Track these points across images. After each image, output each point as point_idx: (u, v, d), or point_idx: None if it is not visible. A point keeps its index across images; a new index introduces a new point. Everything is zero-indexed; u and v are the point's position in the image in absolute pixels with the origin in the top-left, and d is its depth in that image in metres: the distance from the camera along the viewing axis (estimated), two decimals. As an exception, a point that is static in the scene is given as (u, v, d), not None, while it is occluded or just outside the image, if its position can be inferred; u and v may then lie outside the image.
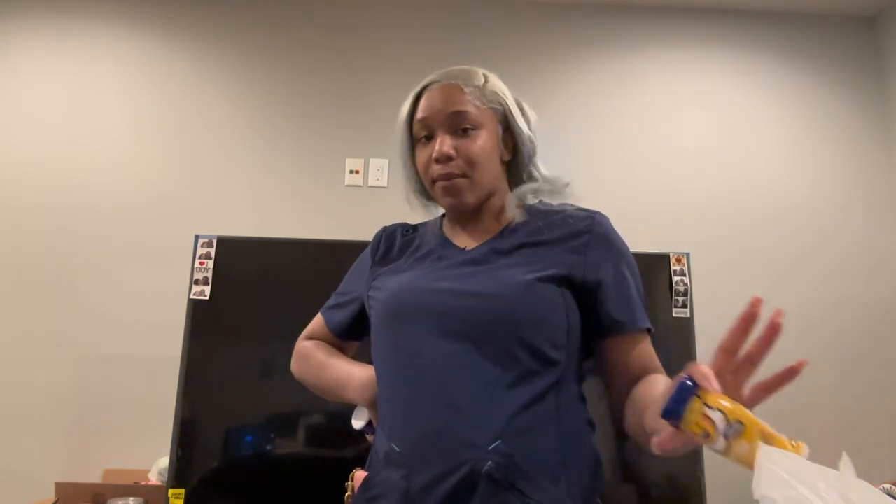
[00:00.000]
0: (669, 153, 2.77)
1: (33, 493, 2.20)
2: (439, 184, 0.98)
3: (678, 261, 2.01)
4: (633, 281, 0.96)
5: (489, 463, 0.80)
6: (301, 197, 2.65)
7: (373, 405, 0.99)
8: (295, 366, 1.15)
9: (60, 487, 2.01)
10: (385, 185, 2.64)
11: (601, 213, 0.99)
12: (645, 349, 0.94)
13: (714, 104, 2.84)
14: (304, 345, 1.15)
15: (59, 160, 2.62)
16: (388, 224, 1.14)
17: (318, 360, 1.10)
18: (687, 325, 1.94)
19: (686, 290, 1.98)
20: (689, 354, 1.90)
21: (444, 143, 0.96)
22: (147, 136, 2.68)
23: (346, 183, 2.67)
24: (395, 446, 0.86)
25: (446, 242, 1.03)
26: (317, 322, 1.17)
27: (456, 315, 0.89)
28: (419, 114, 1.00)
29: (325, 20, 2.84)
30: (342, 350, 1.13)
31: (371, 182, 2.66)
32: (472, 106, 0.98)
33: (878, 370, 2.57)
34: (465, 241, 1.01)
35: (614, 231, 0.98)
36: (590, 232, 0.95)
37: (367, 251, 1.12)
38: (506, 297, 0.88)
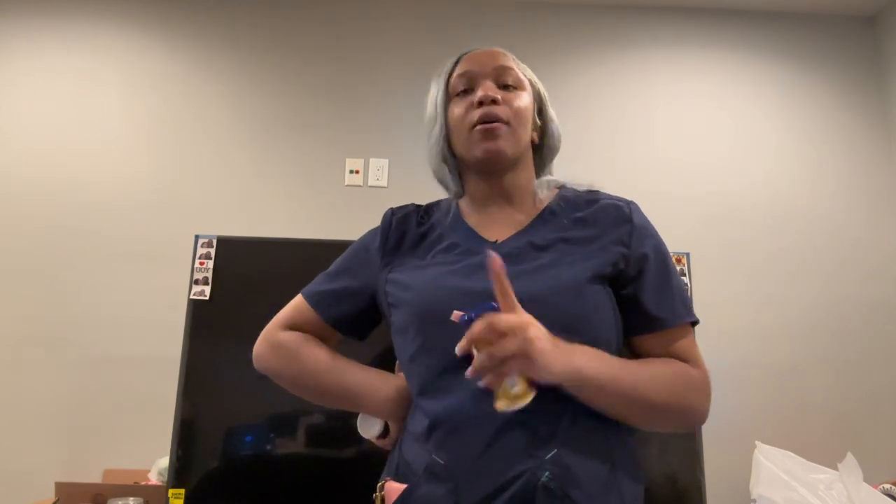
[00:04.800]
0: (669, 153, 2.76)
1: (33, 493, 2.20)
2: (479, 127, 0.91)
3: (678, 261, 2.01)
4: (672, 273, 0.91)
5: (546, 474, 0.76)
6: (301, 197, 2.65)
7: (397, 418, 0.93)
8: (271, 359, 0.99)
9: (60, 487, 2.01)
10: (385, 185, 2.64)
11: (634, 201, 0.95)
12: (684, 344, 0.88)
13: (713, 104, 2.83)
14: (285, 337, 0.99)
15: (59, 160, 2.62)
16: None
17: (316, 361, 0.97)
18: (687, 325, 1.94)
19: (686, 291, 1.97)
20: (689, 354, 1.90)
21: (489, 88, 0.92)
22: (147, 136, 2.68)
23: (346, 183, 2.67)
24: (438, 458, 0.80)
25: (472, 233, 0.94)
26: (300, 308, 1.01)
27: None
28: (461, 68, 0.96)
29: (325, 20, 2.84)
30: (325, 341, 1.00)
31: (371, 182, 2.66)
32: (516, 68, 0.97)
33: (878, 370, 2.57)
34: (493, 232, 0.93)
35: (649, 221, 0.94)
36: (630, 222, 0.90)
37: (374, 235, 1.01)
38: (553, 302, 0.81)
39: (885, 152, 2.80)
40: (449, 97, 0.97)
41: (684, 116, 2.82)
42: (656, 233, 0.93)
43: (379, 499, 0.87)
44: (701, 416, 0.86)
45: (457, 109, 0.95)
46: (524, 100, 0.95)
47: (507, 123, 0.91)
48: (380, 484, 0.88)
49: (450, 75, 0.97)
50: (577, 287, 0.83)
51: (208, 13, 2.82)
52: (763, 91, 2.85)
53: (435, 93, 0.99)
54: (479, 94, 0.92)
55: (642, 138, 2.78)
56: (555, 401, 0.79)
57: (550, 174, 1.04)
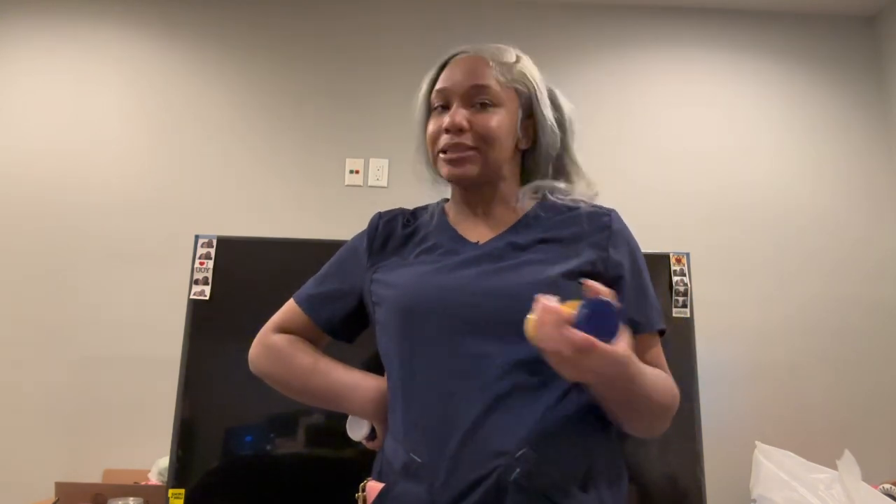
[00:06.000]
0: (669, 153, 2.77)
1: (33, 493, 2.20)
2: (443, 156, 0.94)
3: (678, 261, 2.01)
4: (648, 280, 0.94)
5: (517, 471, 0.76)
6: (301, 197, 2.65)
7: (381, 419, 0.94)
8: (263, 361, 1.02)
9: (60, 487, 2.01)
10: (385, 185, 2.65)
11: (615, 210, 0.97)
12: (657, 351, 0.92)
13: (714, 104, 2.83)
14: (276, 340, 1.01)
15: (59, 160, 2.62)
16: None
17: (304, 363, 0.99)
18: (687, 325, 1.93)
19: (686, 290, 1.97)
20: (689, 354, 1.90)
21: (457, 114, 0.93)
22: (147, 136, 2.68)
23: (346, 183, 2.67)
24: (415, 457, 0.81)
25: (455, 234, 0.97)
26: (291, 312, 1.03)
27: (478, 315, 0.84)
28: (439, 83, 0.97)
29: (325, 20, 2.84)
30: (315, 343, 1.03)
31: (371, 182, 2.66)
32: (494, 81, 0.95)
33: (879, 370, 2.57)
34: (475, 234, 0.96)
35: (629, 229, 0.97)
36: (609, 228, 0.93)
37: (362, 237, 1.04)
38: (530, 296, 0.80)
39: (885, 152, 2.80)
40: (429, 109, 1.00)
41: (684, 116, 2.81)
42: (634, 240, 0.97)
43: (361, 499, 0.89)
44: (669, 421, 0.89)
45: (431, 126, 0.98)
46: (497, 118, 0.94)
47: (474, 149, 0.93)
48: (362, 484, 0.90)
49: (433, 83, 1.00)
50: (554, 282, 0.84)
51: (208, 13, 2.82)
52: (763, 91, 2.85)
53: (420, 99, 1.02)
54: (447, 121, 0.93)
55: (642, 138, 2.78)
56: (531, 399, 0.81)
57: (572, 163, 1.03)
